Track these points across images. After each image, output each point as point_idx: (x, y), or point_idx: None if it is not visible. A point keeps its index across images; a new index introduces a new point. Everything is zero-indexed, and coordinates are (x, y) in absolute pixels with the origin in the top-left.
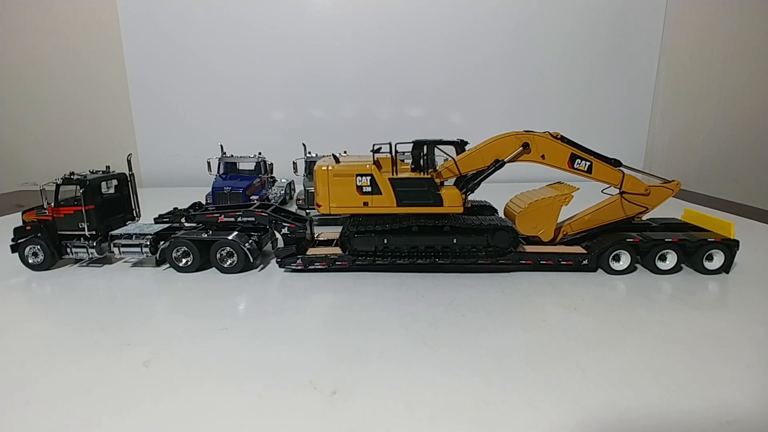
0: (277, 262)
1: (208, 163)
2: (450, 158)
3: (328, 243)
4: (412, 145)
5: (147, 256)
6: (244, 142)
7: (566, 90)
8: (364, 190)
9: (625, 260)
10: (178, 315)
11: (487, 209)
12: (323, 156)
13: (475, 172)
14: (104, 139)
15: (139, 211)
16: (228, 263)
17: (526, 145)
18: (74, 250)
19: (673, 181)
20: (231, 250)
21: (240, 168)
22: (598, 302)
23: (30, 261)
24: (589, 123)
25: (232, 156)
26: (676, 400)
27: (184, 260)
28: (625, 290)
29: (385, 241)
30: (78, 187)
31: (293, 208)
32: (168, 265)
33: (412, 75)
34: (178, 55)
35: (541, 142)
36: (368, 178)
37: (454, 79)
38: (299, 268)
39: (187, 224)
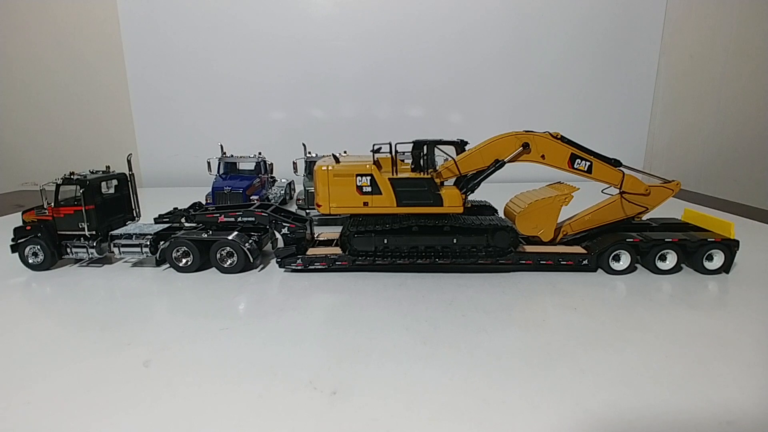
0: (277, 262)
1: (208, 163)
2: (450, 158)
3: (328, 243)
4: (412, 145)
5: (147, 256)
6: (244, 142)
7: (566, 90)
8: (364, 190)
9: (625, 260)
10: (178, 315)
11: (487, 209)
12: (323, 156)
13: (475, 172)
14: (104, 139)
15: (139, 211)
16: (228, 263)
17: (526, 145)
18: (74, 250)
19: (673, 181)
20: (231, 250)
21: (240, 168)
22: (598, 302)
23: (30, 261)
24: (589, 123)
25: (232, 156)
26: (676, 400)
27: (184, 260)
28: (625, 290)
29: (385, 241)
30: (78, 187)
31: (293, 208)
32: (168, 265)
33: (412, 75)
34: (178, 55)
35: (541, 142)
36: (368, 178)
37: (454, 79)
38: (299, 268)
39: (187, 224)
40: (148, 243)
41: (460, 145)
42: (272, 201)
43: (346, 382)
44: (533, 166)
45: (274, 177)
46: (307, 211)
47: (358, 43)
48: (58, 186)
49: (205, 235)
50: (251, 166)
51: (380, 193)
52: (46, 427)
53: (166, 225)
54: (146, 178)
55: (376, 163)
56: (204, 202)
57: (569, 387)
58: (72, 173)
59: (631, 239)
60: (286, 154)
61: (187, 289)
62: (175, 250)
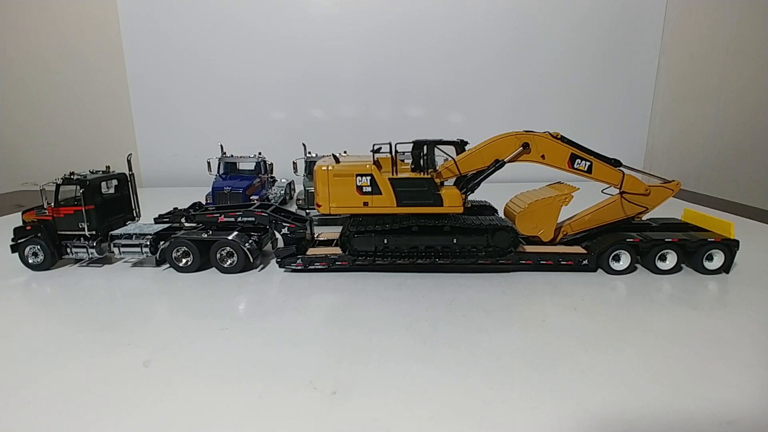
0: (277, 262)
1: (208, 163)
2: (450, 158)
3: (328, 243)
4: (412, 145)
5: (147, 256)
6: (244, 142)
7: (566, 90)
8: (364, 190)
9: (625, 260)
10: (178, 315)
11: (487, 209)
12: (323, 156)
13: (475, 172)
14: (104, 139)
15: (139, 211)
16: (228, 263)
17: (526, 145)
18: (74, 250)
19: (673, 181)
20: (231, 250)
21: (240, 168)
22: (598, 302)
23: (30, 261)
24: (589, 123)
25: (232, 156)
26: (676, 400)
27: (184, 260)
28: (625, 290)
29: (385, 241)
30: (78, 187)
31: (293, 208)
32: (168, 265)
33: (412, 75)
34: (178, 55)
35: (541, 142)
36: (368, 178)
37: (454, 79)
38: (299, 268)
39: (187, 224)
40: (148, 243)
41: (460, 145)
42: (272, 201)
43: (346, 382)
44: (533, 166)
45: (274, 177)
46: (307, 211)
47: (358, 43)
48: (58, 186)
49: (205, 235)
50: (251, 166)
51: (380, 193)
52: (46, 427)
53: (166, 225)
54: (146, 178)
55: (376, 163)
56: (204, 202)
57: (569, 387)
58: (72, 173)
59: (631, 239)
60: (286, 154)
61: (187, 289)
62: (175, 250)
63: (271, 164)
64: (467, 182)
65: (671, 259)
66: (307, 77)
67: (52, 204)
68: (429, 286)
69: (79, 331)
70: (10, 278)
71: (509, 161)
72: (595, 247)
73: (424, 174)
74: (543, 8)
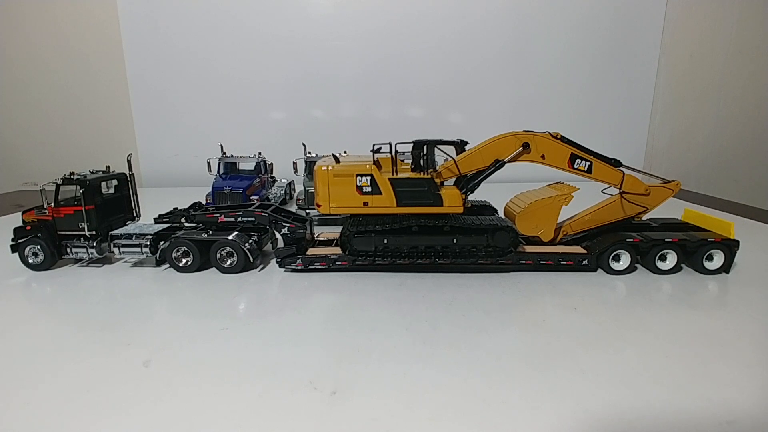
0: (277, 262)
1: (208, 163)
2: (450, 158)
3: (328, 243)
4: (412, 145)
5: (147, 256)
6: (244, 142)
7: (566, 90)
8: (364, 190)
9: (625, 260)
10: (178, 315)
11: (487, 209)
12: (323, 156)
13: (475, 172)
14: (104, 139)
15: (139, 211)
16: (228, 263)
17: (526, 145)
18: (74, 250)
19: (673, 181)
20: (231, 250)
21: (240, 168)
22: (598, 302)
23: (30, 261)
24: (589, 123)
25: (232, 156)
26: (676, 400)
27: (184, 260)
28: (625, 290)
29: (385, 241)
30: (78, 187)
31: (293, 208)
32: (168, 265)
33: (412, 75)
34: (178, 55)
35: (541, 142)
36: (368, 178)
37: (454, 79)
38: (299, 268)
39: (187, 224)
40: (148, 243)
41: (460, 145)
42: (272, 201)
43: (346, 382)
44: (533, 166)
45: (274, 177)
46: (307, 211)
47: (357, 43)
48: (58, 186)
49: (205, 235)
50: (251, 166)
51: (380, 193)
52: (46, 427)
53: (166, 225)
54: (146, 178)
55: (376, 163)
56: (204, 202)
57: (569, 387)
58: (72, 173)
59: (631, 239)
60: (286, 154)
61: (187, 289)
62: (175, 250)
63: (271, 164)
64: (467, 182)
65: (671, 259)
66: (307, 77)
67: (52, 204)
68: (429, 286)
69: (79, 331)
70: (10, 278)
71: (509, 161)
72: (595, 247)
73: (424, 174)
74: (543, 8)
